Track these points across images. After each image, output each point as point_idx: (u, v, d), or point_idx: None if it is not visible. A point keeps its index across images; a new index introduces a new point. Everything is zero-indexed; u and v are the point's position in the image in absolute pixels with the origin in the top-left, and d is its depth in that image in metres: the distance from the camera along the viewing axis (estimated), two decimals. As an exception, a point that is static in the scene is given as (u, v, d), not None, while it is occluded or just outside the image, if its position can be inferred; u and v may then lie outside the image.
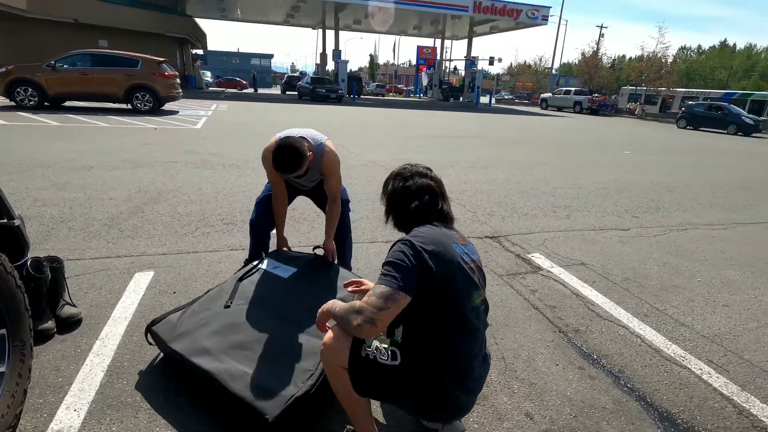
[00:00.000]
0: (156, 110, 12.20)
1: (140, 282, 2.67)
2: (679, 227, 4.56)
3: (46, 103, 11.16)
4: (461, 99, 35.62)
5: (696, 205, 5.61)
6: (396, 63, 66.98)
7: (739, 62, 64.54)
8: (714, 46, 79.13)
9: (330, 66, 34.00)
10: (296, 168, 2.05)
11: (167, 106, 13.52)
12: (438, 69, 38.53)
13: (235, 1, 27.15)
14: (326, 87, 24.08)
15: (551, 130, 15.49)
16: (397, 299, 1.27)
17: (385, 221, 1.62)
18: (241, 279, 2.15)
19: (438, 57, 39.17)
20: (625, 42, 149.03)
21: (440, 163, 7.15)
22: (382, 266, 1.35)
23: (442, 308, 1.33)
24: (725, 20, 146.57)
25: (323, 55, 33.35)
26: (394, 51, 76.39)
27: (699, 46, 79.34)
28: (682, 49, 73.27)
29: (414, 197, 1.50)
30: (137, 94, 11.71)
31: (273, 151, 2.08)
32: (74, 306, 2.28)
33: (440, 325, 1.34)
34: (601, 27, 41.50)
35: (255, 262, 2.30)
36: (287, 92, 32.81)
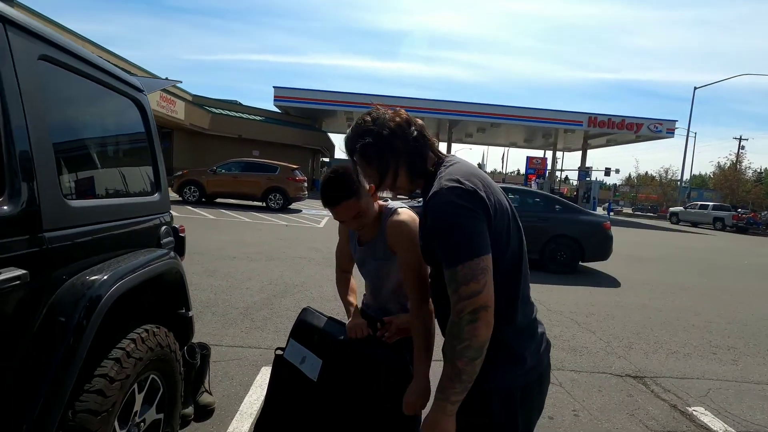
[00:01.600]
0: (285, 209, 13.95)
1: (265, 377, 2.78)
2: None
3: (203, 199, 13.61)
4: (574, 209, 34.09)
5: None
6: (504, 172, 68.32)
7: None
8: None
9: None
10: (336, 199, 1.39)
11: (294, 205, 15.42)
12: (549, 179, 38.18)
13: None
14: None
15: (689, 249, 13.66)
16: (484, 266, 0.95)
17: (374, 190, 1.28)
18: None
19: (549, 167, 39.05)
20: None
21: (559, 280, 6.64)
22: (432, 241, 1.02)
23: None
24: None
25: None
26: (502, 160, 78.54)
27: None
28: None
29: (409, 127, 1.12)
30: (271, 195, 13.68)
31: None
32: (211, 394, 2.43)
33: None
34: (740, 138, 37.92)
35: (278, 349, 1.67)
36: (398, 196, 35.19)
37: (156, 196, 1.94)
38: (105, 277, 1.32)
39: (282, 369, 1.62)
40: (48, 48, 1.28)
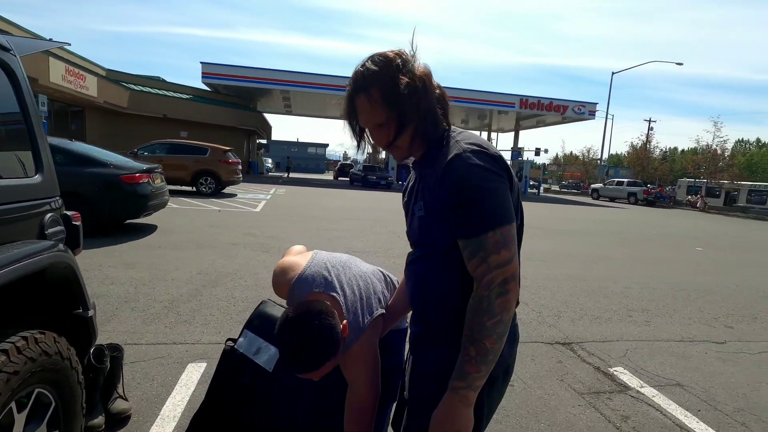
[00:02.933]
0: (217, 193, 13.17)
1: (192, 375, 2.56)
2: (787, 343, 3.92)
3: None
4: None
5: (799, 315, 4.88)
6: (442, 152, 69.85)
7: (806, 155, 61.58)
8: (775, 139, 76.48)
9: (381, 155, 35.93)
10: (307, 369, 1.07)
11: (228, 189, 14.60)
12: (484, 159, 39.70)
13: (297, 99, 30.27)
14: (377, 174, 25.34)
15: (608, 222, 14.89)
16: (513, 234, 0.91)
17: (389, 143, 1.01)
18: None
19: (484, 148, 40.55)
20: (675, 135, 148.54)
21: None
22: (454, 208, 0.91)
23: None
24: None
25: (375, 145, 35.51)
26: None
27: (758, 140, 76.85)
28: (740, 141, 71.40)
29: (432, 83, 1.01)
30: (201, 179, 12.81)
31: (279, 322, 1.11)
32: (126, 400, 2.18)
33: None
34: (650, 120, 41.73)
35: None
36: (339, 178, 34.82)
37: (36, 178, 1.63)
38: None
39: (230, 360, 1.48)
40: None
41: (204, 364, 2.68)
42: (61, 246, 1.59)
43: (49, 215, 1.66)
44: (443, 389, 0.94)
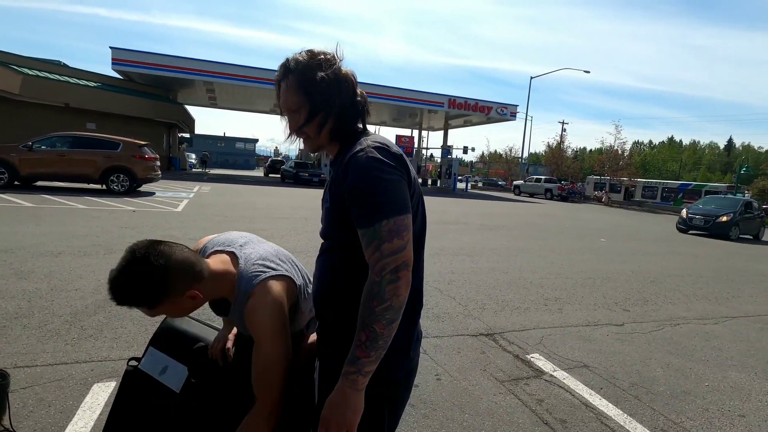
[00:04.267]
0: (132, 191, 12.09)
1: (98, 396, 2.32)
2: (671, 322, 4.50)
3: (16, 183, 10.96)
4: (438, 184, 37.16)
5: (681, 296, 5.63)
6: (375, 149, 70.57)
7: (687, 155, 71.43)
8: (663, 141, 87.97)
9: (316, 154, 35.31)
10: (121, 300, 1.06)
11: (145, 188, 13.47)
12: (416, 157, 40.73)
13: (223, 92, 28.76)
14: (309, 171, 24.90)
15: (527, 216, 16.03)
16: (408, 224, 0.93)
17: (309, 135, 1.06)
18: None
19: (416, 146, 41.61)
20: (584, 136, 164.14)
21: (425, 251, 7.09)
22: (352, 198, 0.94)
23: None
24: (670, 120, 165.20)
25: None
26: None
27: (650, 141, 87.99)
28: (636, 143, 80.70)
29: (356, 88, 1.09)
30: (113, 176, 11.67)
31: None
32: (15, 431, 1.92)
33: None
34: (563, 123, 45.61)
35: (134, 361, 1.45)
36: (270, 175, 33.65)
37: None
38: None
39: (133, 382, 1.36)
40: None
41: (112, 383, 2.44)
42: None
43: None
44: None
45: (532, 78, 36.32)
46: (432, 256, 6.78)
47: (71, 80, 21.56)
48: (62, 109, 20.35)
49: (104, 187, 11.74)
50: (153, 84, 24.90)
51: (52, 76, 20.83)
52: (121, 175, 11.76)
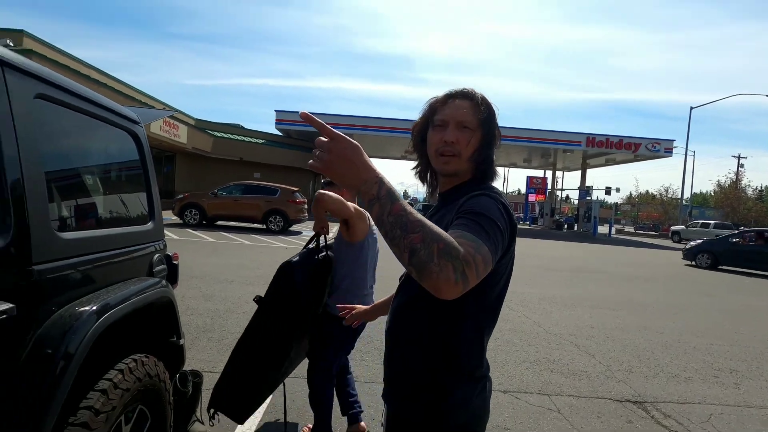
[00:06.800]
0: (285, 230, 13.99)
1: (263, 403, 2.75)
2: None
3: (204, 222, 13.70)
4: (576, 228, 34.07)
5: None
6: (505, 191, 68.66)
7: None
8: None
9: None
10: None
11: (294, 227, 15.46)
12: (550, 198, 38.30)
13: (361, 141, 31.77)
14: (436, 213, 25.49)
15: (688, 268, 13.57)
16: (488, 267, 0.84)
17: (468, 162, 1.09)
18: None
19: (549, 186, 39.25)
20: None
21: (559, 301, 6.58)
22: (471, 215, 0.90)
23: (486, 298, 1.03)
24: None
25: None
26: (503, 181, 79.01)
27: None
28: None
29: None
30: (271, 217, 13.75)
31: None
32: (203, 423, 2.40)
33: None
34: (739, 156, 38.16)
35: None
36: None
37: (149, 225, 1.97)
38: (92, 309, 1.33)
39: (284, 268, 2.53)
40: (44, 87, 1.34)
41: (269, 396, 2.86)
42: (164, 282, 1.88)
43: (156, 256, 1.98)
44: None
45: (692, 108, 31.65)
46: (567, 306, 6.25)
47: (245, 139, 26.50)
48: (237, 162, 24.99)
49: (264, 226, 13.91)
50: (304, 138, 28.97)
51: (233, 137, 25.92)
52: (278, 216, 13.83)
